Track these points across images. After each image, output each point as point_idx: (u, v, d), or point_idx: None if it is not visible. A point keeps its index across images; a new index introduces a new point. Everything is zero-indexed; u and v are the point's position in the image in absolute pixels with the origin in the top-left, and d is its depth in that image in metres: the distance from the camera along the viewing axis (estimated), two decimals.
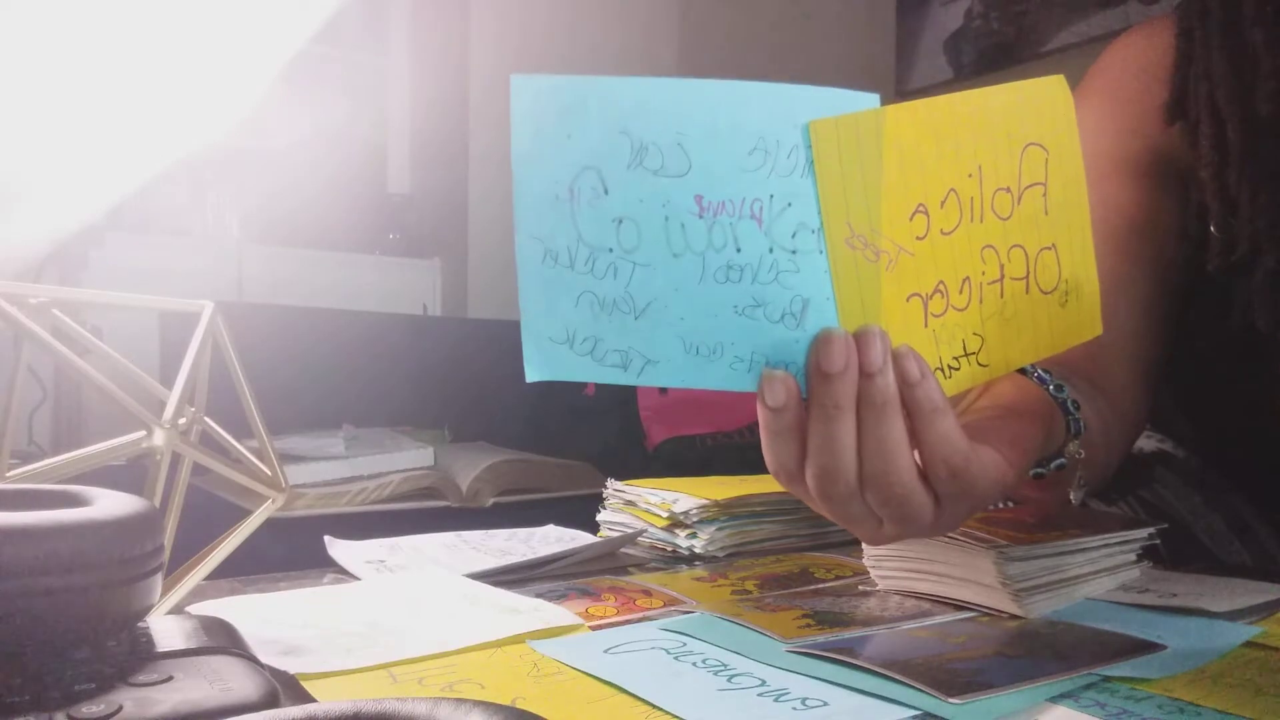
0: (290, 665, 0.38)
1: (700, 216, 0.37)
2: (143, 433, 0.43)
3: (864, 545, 0.54)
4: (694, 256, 0.38)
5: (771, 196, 0.37)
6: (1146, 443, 0.81)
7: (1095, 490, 0.69)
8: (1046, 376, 0.55)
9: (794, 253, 0.38)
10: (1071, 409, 0.54)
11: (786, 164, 0.37)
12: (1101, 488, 0.70)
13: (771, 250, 0.38)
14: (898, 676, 0.37)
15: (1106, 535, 0.52)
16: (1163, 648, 0.42)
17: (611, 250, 0.38)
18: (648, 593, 0.53)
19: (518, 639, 0.43)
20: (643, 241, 0.38)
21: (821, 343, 0.38)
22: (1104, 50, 0.76)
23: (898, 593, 0.52)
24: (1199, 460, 0.78)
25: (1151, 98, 0.68)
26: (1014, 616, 0.47)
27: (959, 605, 0.49)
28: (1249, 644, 0.43)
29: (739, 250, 0.38)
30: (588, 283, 0.38)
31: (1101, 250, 0.59)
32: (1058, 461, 0.55)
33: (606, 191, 0.38)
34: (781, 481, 0.42)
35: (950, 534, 0.49)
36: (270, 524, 0.49)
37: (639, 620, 0.47)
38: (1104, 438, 0.61)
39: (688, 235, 0.38)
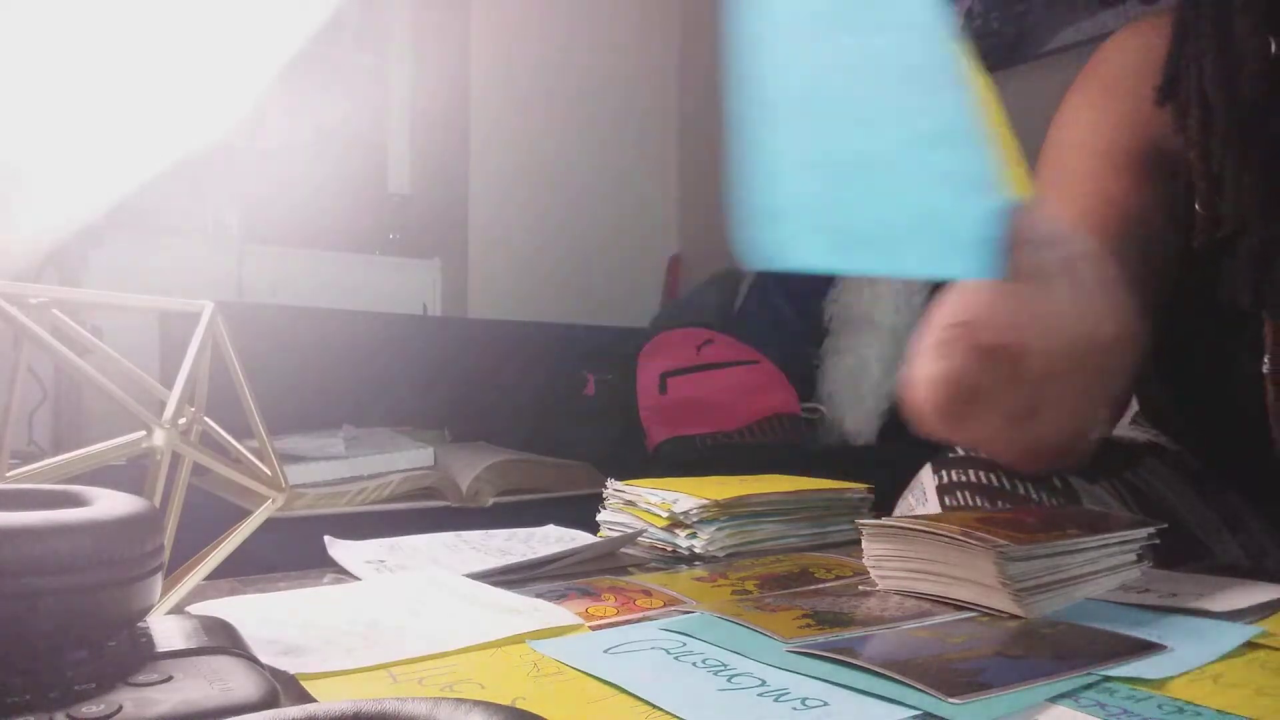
0: (290, 665, 0.38)
1: None
2: (143, 433, 0.43)
3: (864, 545, 0.54)
4: None
5: None
6: (1140, 435, 0.81)
7: (1071, 457, 0.68)
8: None
9: None
10: None
11: None
12: (1082, 462, 0.69)
13: None
14: (898, 676, 0.37)
15: (1106, 535, 0.52)
16: (1163, 647, 0.42)
17: None
18: (648, 593, 0.53)
19: (518, 639, 0.43)
20: None
21: None
22: (1103, 44, 0.77)
23: (898, 593, 0.52)
24: (1195, 457, 0.78)
25: (1146, 89, 0.69)
26: (1014, 616, 0.47)
27: (959, 605, 0.49)
28: (1249, 644, 0.43)
29: None
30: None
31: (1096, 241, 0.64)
32: None
33: None
34: None
35: (950, 534, 0.49)
36: (270, 524, 0.49)
37: (639, 620, 0.47)
38: None
39: None
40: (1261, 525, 0.74)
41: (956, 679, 0.37)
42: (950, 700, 0.35)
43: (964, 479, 0.67)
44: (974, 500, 0.66)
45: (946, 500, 0.67)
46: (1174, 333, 0.72)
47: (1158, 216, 0.70)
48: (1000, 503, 0.66)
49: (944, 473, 0.68)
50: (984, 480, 0.67)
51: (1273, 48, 0.61)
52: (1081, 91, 0.75)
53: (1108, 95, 0.73)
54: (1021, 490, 0.66)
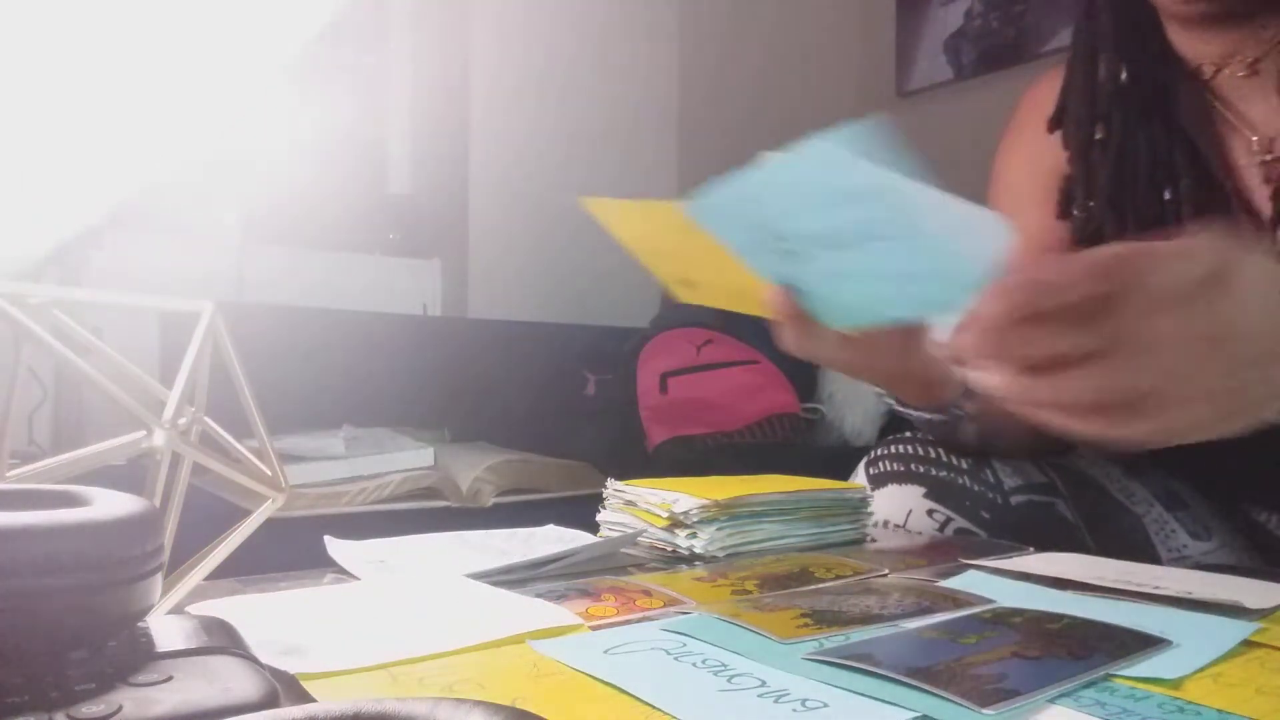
0: (290, 665, 0.38)
1: None
2: (143, 433, 0.43)
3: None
4: None
5: None
6: None
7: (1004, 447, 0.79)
8: None
9: None
10: None
11: None
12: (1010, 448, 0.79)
13: None
14: (927, 687, 0.36)
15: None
16: (1168, 643, 0.42)
17: None
18: (648, 593, 0.53)
19: (518, 639, 0.43)
20: None
21: None
22: (1026, 90, 0.89)
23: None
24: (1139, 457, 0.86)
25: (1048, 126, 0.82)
26: (1016, 611, 0.47)
27: (955, 601, 0.49)
28: (1249, 643, 0.43)
29: None
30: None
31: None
32: None
33: None
34: None
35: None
36: (270, 524, 0.49)
37: (639, 620, 0.47)
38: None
39: None
40: (1207, 506, 0.81)
41: (985, 686, 0.36)
42: (985, 711, 0.34)
43: (886, 452, 0.82)
44: (892, 466, 0.80)
45: (870, 470, 0.81)
46: None
47: (1066, 239, 0.81)
48: (917, 467, 0.79)
49: (874, 456, 0.82)
50: (905, 451, 0.81)
51: (1123, 75, 0.76)
52: (1007, 135, 0.88)
53: (1022, 136, 0.86)
54: (941, 457, 0.78)
